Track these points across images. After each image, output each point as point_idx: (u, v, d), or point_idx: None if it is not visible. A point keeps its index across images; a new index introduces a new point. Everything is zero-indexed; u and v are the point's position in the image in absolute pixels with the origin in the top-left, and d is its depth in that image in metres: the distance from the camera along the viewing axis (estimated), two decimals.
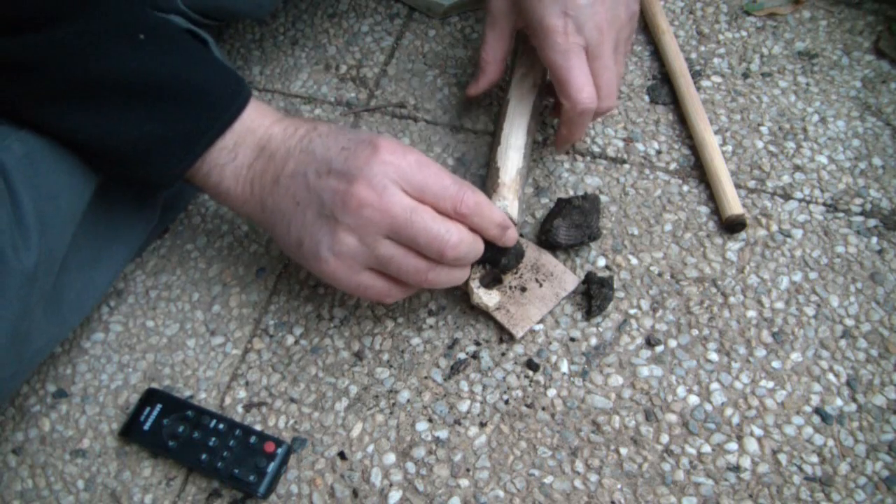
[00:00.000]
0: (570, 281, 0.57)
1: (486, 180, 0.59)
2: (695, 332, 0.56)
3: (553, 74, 0.56)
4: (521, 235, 0.59)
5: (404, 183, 0.46)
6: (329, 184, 0.46)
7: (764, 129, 0.65)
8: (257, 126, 0.50)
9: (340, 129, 0.49)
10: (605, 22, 0.55)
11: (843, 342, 0.55)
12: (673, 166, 0.64)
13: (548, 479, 0.51)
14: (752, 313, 0.56)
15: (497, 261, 0.54)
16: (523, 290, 0.57)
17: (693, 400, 0.53)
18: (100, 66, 0.44)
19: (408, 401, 0.55)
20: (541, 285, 0.57)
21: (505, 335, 0.57)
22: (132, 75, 0.45)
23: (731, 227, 0.60)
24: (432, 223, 0.46)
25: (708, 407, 0.53)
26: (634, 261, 0.59)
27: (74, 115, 0.46)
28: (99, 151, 0.47)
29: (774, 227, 0.60)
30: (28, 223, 0.44)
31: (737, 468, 0.50)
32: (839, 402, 0.52)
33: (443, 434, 0.53)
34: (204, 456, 0.52)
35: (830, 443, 0.51)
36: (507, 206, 0.54)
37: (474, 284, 0.54)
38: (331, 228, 0.47)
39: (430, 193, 0.47)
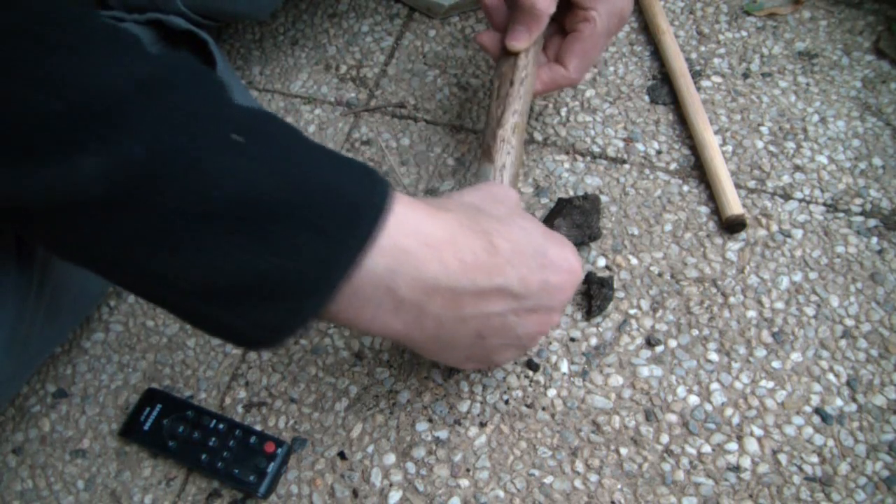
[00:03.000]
0: None
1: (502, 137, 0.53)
2: (695, 332, 0.56)
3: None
4: None
5: None
6: (531, 319, 0.42)
7: (764, 129, 0.65)
8: (410, 232, 0.36)
9: (524, 249, 0.41)
10: (628, 12, 0.58)
11: (843, 342, 0.55)
12: (673, 166, 0.64)
13: (548, 479, 0.51)
14: (752, 313, 0.56)
15: None
16: None
17: (693, 400, 0.53)
18: (187, 188, 0.31)
19: (408, 401, 0.55)
20: None
21: None
22: (234, 195, 0.31)
23: (731, 227, 0.60)
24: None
25: (708, 407, 0.53)
26: (634, 261, 0.59)
27: (157, 259, 0.32)
28: (204, 299, 0.34)
29: (774, 227, 0.60)
30: None
31: (737, 468, 0.50)
32: (839, 402, 0.52)
33: (443, 434, 0.53)
34: (204, 456, 0.52)
35: (830, 443, 0.51)
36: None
37: None
38: (515, 349, 0.44)
39: None
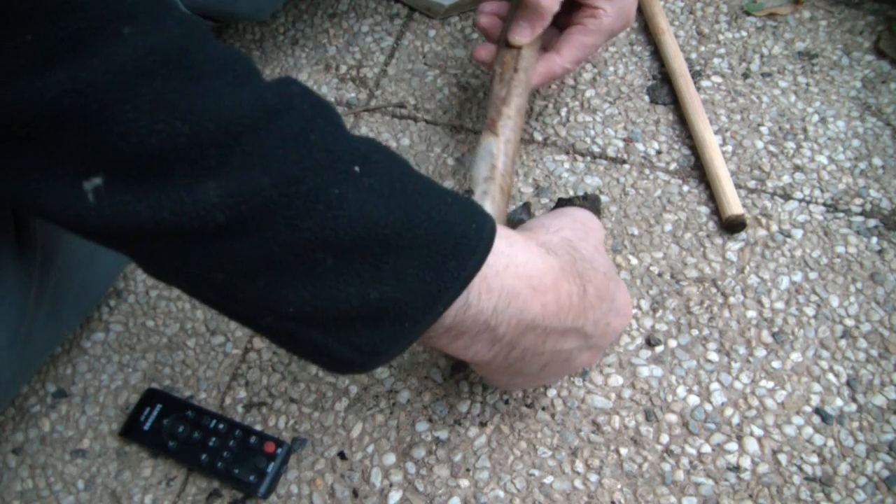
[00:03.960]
0: None
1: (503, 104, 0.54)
2: (695, 332, 0.56)
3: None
4: None
5: None
6: (586, 356, 0.45)
7: (764, 129, 0.65)
8: (521, 275, 0.38)
9: (603, 294, 0.42)
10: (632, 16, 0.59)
11: (843, 342, 0.55)
12: (673, 166, 0.64)
13: (548, 479, 0.51)
14: (752, 313, 0.56)
15: None
16: None
17: (693, 400, 0.53)
18: (310, 218, 0.31)
19: (408, 401, 0.55)
20: None
21: None
22: (352, 226, 0.31)
23: (731, 227, 0.60)
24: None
25: (708, 407, 0.53)
26: (634, 261, 0.59)
27: (264, 285, 0.32)
28: (306, 324, 0.34)
29: (774, 227, 0.60)
30: (29, 227, 0.44)
31: (737, 468, 0.50)
32: (839, 402, 0.52)
33: (443, 434, 0.53)
34: (204, 456, 0.52)
35: (830, 443, 0.51)
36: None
37: None
38: (558, 377, 0.47)
39: None
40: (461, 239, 0.34)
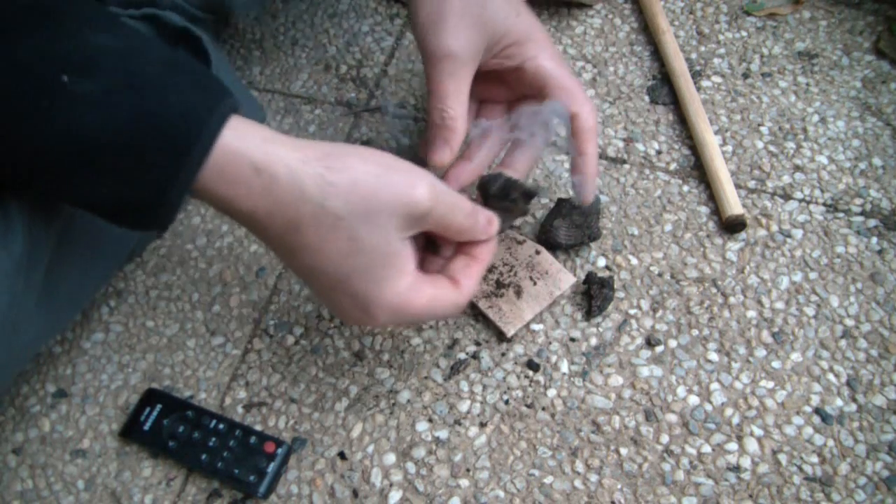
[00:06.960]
0: (565, 280, 0.57)
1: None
2: (695, 332, 0.56)
3: (579, 124, 0.52)
4: (522, 236, 0.59)
5: None
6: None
7: (764, 130, 0.65)
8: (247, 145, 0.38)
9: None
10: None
11: (843, 342, 0.55)
12: (673, 166, 0.64)
13: (548, 479, 0.51)
14: (752, 313, 0.56)
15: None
16: (517, 288, 0.57)
17: (693, 400, 0.53)
18: (15, 131, 0.34)
19: (408, 401, 0.55)
20: (535, 283, 0.57)
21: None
22: (60, 135, 0.34)
23: (731, 227, 0.60)
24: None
25: (708, 407, 0.53)
26: (634, 261, 0.59)
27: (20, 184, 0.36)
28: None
29: (774, 228, 0.60)
30: (11, 211, 0.43)
31: (737, 468, 0.50)
32: (839, 402, 0.52)
33: (443, 434, 0.53)
34: (204, 456, 0.52)
35: (830, 443, 0.51)
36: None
37: None
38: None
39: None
40: (178, 138, 0.35)
